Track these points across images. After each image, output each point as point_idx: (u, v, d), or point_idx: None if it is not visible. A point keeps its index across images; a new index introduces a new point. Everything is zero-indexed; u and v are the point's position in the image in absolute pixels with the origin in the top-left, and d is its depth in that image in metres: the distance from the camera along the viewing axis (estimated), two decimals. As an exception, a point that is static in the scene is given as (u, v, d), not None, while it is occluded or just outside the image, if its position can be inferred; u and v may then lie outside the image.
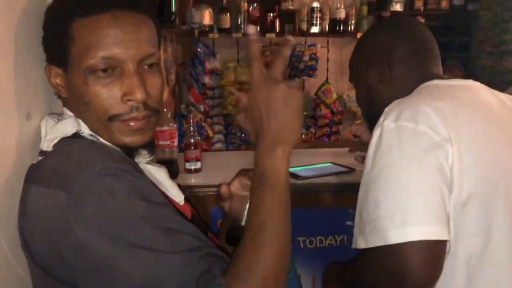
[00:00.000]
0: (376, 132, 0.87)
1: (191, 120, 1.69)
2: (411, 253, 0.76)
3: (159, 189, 0.81)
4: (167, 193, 0.85)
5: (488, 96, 0.96)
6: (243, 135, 3.53)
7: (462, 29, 3.95)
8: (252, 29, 0.75)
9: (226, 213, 0.95)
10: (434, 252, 0.78)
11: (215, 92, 3.58)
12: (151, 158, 0.86)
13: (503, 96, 1.00)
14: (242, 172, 0.94)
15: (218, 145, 3.62)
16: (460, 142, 0.81)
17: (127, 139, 0.79)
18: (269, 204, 0.72)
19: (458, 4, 3.85)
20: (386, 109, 0.89)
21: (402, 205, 0.78)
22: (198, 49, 3.30)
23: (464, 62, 3.98)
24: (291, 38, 0.78)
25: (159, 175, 0.86)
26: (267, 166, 0.73)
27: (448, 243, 0.81)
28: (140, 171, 0.78)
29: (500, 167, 0.85)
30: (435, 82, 0.96)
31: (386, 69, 1.04)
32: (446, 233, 0.79)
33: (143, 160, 0.85)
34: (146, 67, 0.79)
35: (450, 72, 3.86)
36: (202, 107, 3.23)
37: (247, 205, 0.89)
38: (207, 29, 3.42)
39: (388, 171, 0.82)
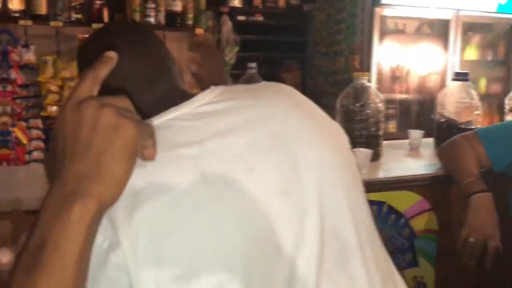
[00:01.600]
0: None
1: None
2: None
3: None
4: None
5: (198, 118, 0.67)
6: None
7: (299, 29, 4.00)
8: (112, 54, 0.54)
9: None
10: None
11: (29, 90, 3.01)
12: None
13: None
14: None
15: (36, 154, 3.06)
16: (138, 232, 0.56)
17: None
18: None
19: (294, 4, 3.88)
20: None
21: None
22: (-1, 38, 2.71)
23: (301, 62, 4.04)
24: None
25: None
26: (46, 236, 0.46)
27: None
28: None
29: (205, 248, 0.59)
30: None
31: None
32: None
33: None
34: None
35: (288, 73, 3.88)
36: (8, 108, 2.64)
37: None
38: (17, 15, 2.89)
39: None
